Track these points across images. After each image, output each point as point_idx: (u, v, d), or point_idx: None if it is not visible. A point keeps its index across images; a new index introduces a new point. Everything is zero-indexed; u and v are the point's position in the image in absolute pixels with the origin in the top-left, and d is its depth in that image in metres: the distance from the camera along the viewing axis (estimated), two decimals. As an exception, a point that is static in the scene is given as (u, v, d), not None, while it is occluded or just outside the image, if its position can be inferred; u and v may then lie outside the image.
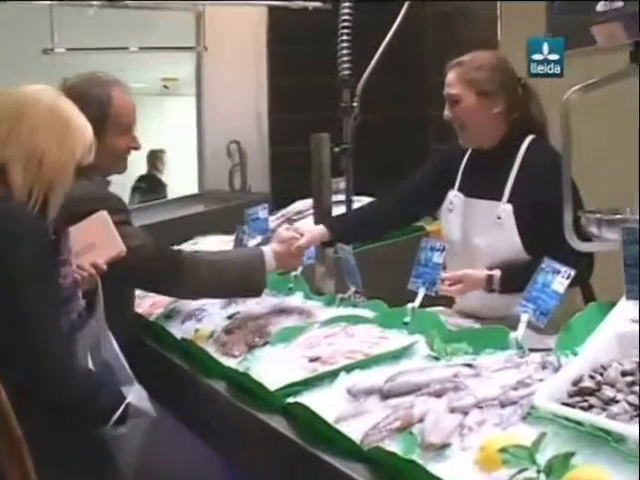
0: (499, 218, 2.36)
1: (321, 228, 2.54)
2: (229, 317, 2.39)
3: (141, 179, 6.63)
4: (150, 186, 6.55)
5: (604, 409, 1.39)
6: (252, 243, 2.95)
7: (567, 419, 1.39)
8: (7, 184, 1.75)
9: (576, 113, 1.86)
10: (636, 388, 1.40)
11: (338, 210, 2.80)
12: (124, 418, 1.84)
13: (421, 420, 1.53)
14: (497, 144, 2.43)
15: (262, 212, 3.08)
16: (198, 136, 4.82)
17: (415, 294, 2.16)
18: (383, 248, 2.87)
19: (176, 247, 2.68)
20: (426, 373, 1.71)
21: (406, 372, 1.74)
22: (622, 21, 1.89)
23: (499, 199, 2.38)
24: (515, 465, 1.32)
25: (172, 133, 6.38)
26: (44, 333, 1.68)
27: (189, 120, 4.95)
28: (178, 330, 2.40)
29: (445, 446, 1.43)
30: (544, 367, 1.64)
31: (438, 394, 1.61)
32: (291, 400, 1.75)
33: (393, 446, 1.49)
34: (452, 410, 1.53)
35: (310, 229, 2.56)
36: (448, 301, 2.57)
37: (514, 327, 1.85)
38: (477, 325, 2.29)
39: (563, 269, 1.81)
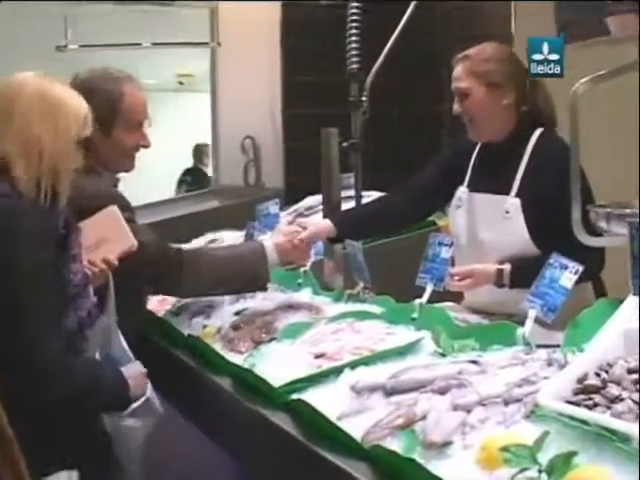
0: (507, 212, 2.33)
1: (327, 223, 2.53)
2: (237, 313, 2.38)
3: (187, 172, 6.79)
4: (195, 179, 6.66)
5: (609, 407, 1.36)
6: (262, 239, 2.94)
7: (571, 417, 1.37)
8: (13, 181, 1.73)
9: (583, 105, 1.83)
10: (642, 386, 1.37)
11: (347, 205, 2.78)
12: (139, 412, 1.86)
13: (424, 417, 1.51)
14: (506, 137, 2.40)
15: (273, 208, 3.07)
16: (213, 132, 4.81)
17: (424, 290, 2.14)
18: (394, 243, 2.85)
19: (179, 245, 2.66)
20: (430, 370, 1.69)
21: (410, 369, 1.72)
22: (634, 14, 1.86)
23: (507, 193, 2.35)
24: (516, 464, 1.30)
25: (188, 129, 6.39)
26: (42, 330, 1.67)
27: (204, 116, 4.95)
28: (186, 326, 2.40)
29: (446, 444, 1.41)
30: (550, 364, 1.62)
31: (442, 391, 1.59)
32: (295, 397, 1.74)
33: (395, 444, 1.48)
34: (455, 408, 1.51)
35: (316, 222, 2.55)
36: (457, 297, 2.54)
37: (524, 323, 1.83)
38: (486, 321, 2.27)
39: (571, 264, 1.78)
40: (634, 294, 1.58)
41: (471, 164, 2.51)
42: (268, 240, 2.43)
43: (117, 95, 2.31)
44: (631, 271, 1.59)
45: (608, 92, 1.91)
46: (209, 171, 6.79)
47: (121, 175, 2.43)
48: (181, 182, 6.69)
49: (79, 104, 1.84)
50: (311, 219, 3.23)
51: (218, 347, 2.18)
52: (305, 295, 2.50)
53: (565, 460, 1.27)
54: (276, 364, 1.92)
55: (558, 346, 1.73)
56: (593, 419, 1.33)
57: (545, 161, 2.30)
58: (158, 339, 2.41)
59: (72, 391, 1.73)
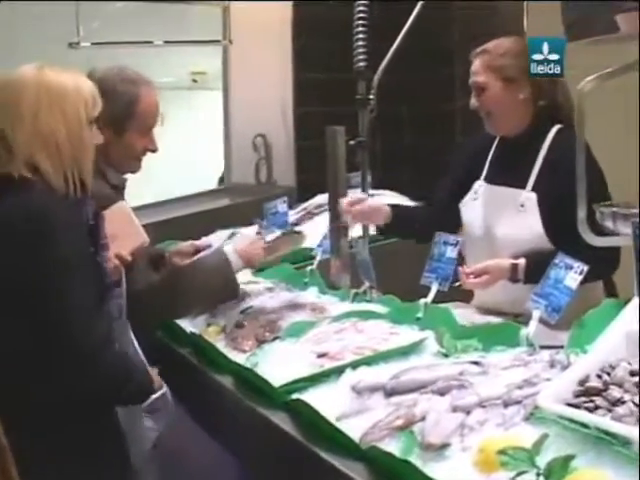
0: (522, 206, 2.33)
1: (387, 207, 2.53)
2: (242, 312, 2.37)
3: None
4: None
5: (610, 410, 1.34)
6: (271, 237, 2.93)
7: (571, 420, 1.35)
8: (44, 178, 1.75)
9: (591, 102, 1.81)
10: (643, 388, 1.35)
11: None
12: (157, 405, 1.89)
13: (423, 419, 1.49)
14: (523, 132, 2.40)
15: (281, 206, 3.05)
16: (225, 130, 4.81)
17: (430, 289, 2.13)
18: (400, 243, 2.82)
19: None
20: (432, 370, 1.67)
21: (411, 369, 1.70)
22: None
23: (523, 187, 2.35)
24: (514, 467, 1.28)
25: (201, 127, 6.38)
26: (88, 316, 1.70)
27: (217, 114, 4.94)
28: (191, 324, 2.39)
29: (445, 446, 1.40)
30: (553, 365, 1.60)
31: (442, 392, 1.57)
32: (295, 396, 1.73)
33: (393, 445, 1.46)
34: (454, 409, 1.49)
35: (379, 204, 2.55)
36: (465, 296, 2.52)
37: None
38: (496, 319, 2.26)
39: (576, 264, 1.76)
40: (637, 295, 1.56)
41: (489, 158, 2.51)
42: (229, 246, 2.40)
43: (133, 98, 2.30)
44: (635, 272, 1.57)
45: (614, 90, 1.88)
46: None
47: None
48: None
49: (84, 86, 1.84)
50: (321, 218, 3.23)
51: (222, 345, 2.17)
52: (311, 294, 2.49)
53: (563, 463, 1.25)
54: (278, 363, 1.91)
55: (562, 347, 1.71)
56: (593, 422, 1.31)
57: (562, 157, 2.27)
58: (161, 336, 2.40)
59: (110, 378, 1.75)
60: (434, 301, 2.12)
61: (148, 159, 2.43)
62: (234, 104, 4.67)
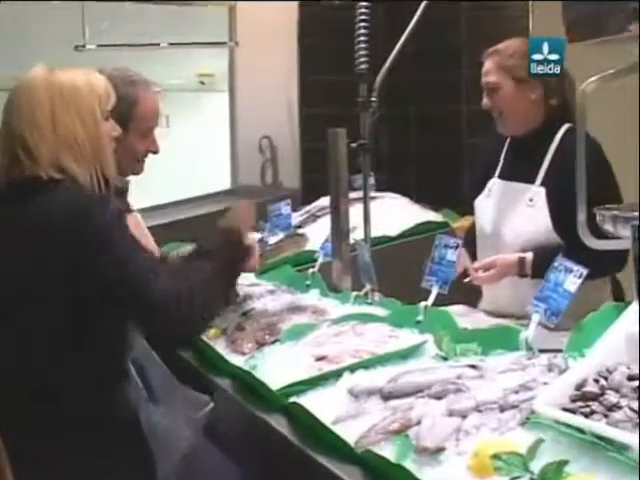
0: (531, 200, 2.36)
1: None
2: (243, 314, 2.36)
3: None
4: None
5: (606, 415, 1.33)
6: (274, 240, 2.92)
7: (567, 425, 1.33)
8: (73, 178, 1.76)
9: (592, 102, 1.80)
10: (640, 394, 1.34)
11: (357, 207, 2.74)
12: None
13: (419, 423, 1.48)
14: (535, 130, 2.43)
15: (285, 208, 3.05)
16: (231, 131, 4.81)
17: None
18: (402, 245, 2.82)
19: None
20: (429, 374, 1.66)
21: (409, 373, 1.69)
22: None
23: (532, 182, 2.38)
24: (507, 472, 1.28)
25: (208, 129, 6.38)
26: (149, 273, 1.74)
27: (224, 116, 4.94)
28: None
29: (440, 450, 1.39)
30: (550, 369, 1.59)
31: (439, 396, 1.56)
32: (293, 400, 1.72)
33: (388, 449, 1.45)
34: (450, 413, 1.48)
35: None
36: (469, 299, 2.52)
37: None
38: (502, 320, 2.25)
39: (575, 268, 1.75)
40: (637, 298, 1.54)
41: (502, 158, 2.54)
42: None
43: (132, 100, 2.29)
44: (635, 275, 1.55)
45: (614, 90, 1.87)
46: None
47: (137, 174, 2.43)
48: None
49: (96, 83, 1.84)
50: (324, 220, 3.21)
51: (222, 347, 2.17)
52: (312, 297, 2.48)
53: (557, 469, 1.24)
54: (277, 366, 1.91)
55: (561, 351, 1.70)
56: (588, 427, 1.30)
57: (572, 155, 2.27)
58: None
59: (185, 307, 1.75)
60: (439, 304, 2.11)
61: (153, 161, 2.43)
62: (240, 106, 4.68)
